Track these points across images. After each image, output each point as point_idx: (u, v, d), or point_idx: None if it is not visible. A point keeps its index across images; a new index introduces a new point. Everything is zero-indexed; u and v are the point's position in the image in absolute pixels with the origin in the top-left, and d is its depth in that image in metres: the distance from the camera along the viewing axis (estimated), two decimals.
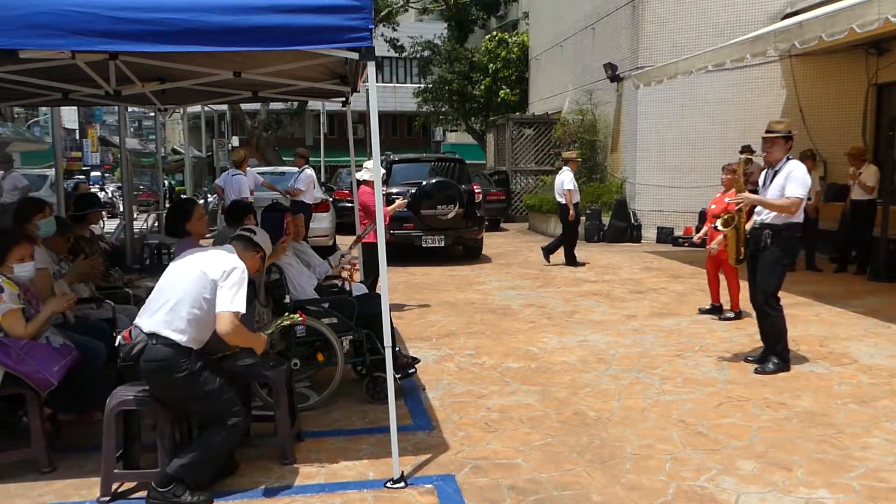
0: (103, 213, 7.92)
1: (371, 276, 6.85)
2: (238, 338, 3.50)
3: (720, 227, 5.97)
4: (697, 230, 12.63)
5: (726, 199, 6.85)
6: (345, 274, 5.74)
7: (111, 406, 3.49)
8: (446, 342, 6.52)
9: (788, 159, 5.38)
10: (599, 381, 5.32)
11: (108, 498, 3.48)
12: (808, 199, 5.57)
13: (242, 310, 3.45)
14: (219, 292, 3.40)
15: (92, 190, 18.35)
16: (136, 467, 3.68)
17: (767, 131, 5.44)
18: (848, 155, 9.79)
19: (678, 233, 13.49)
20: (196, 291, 3.41)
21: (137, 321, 3.49)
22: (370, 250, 6.67)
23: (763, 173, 5.60)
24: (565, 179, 10.94)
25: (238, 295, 3.42)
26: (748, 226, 5.69)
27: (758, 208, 5.51)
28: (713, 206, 7.40)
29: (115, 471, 3.52)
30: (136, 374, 3.48)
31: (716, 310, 7.46)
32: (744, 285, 6.03)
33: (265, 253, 3.82)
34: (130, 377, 3.56)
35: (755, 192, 5.74)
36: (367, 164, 7.23)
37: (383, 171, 8.19)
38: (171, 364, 3.37)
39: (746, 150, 9.94)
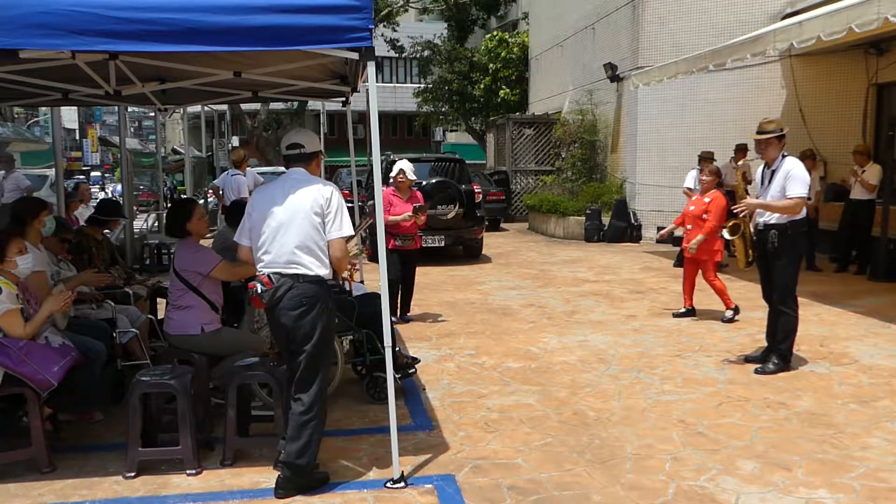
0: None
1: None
2: (345, 262, 3.73)
3: (727, 236, 5.94)
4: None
5: (733, 208, 6.74)
6: (345, 274, 5.73)
7: (134, 391, 3.76)
8: (446, 342, 6.52)
9: (784, 157, 5.36)
10: (599, 381, 5.32)
11: (133, 473, 3.73)
12: (808, 199, 5.55)
13: (352, 232, 3.65)
14: (327, 220, 3.54)
15: (114, 197, 18.32)
16: (155, 446, 3.89)
17: (759, 132, 5.40)
18: (854, 153, 9.81)
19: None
20: (313, 227, 3.52)
21: (269, 268, 3.52)
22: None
23: (759, 172, 5.58)
24: (687, 178, 10.56)
25: (345, 218, 3.58)
26: (750, 224, 5.69)
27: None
28: (692, 208, 7.43)
29: (140, 448, 3.75)
30: (275, 318, 3.54)
31: (689, 313, 7.47)
32: (755, 287, 5.99)
33: None
34: (271, 321, 3.63)
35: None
36: (403, 164, 7.27)
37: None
38: (317, 301, 3.50)
39: (741, 149, 9.97)
